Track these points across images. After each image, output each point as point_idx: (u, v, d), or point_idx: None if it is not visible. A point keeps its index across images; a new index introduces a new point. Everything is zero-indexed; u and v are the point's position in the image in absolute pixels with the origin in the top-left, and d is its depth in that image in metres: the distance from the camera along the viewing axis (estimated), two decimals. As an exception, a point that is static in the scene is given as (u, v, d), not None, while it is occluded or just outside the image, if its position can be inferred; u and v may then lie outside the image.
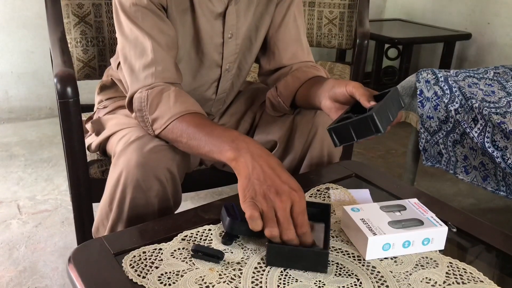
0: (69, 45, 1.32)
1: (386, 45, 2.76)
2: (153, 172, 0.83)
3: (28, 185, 1.91)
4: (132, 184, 0.82)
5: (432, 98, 1.53)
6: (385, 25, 3.02)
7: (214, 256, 0.66)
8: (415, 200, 0.79)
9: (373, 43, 2.72)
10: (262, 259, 0.67)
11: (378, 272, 0.66)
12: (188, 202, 1.78)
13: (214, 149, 0.77)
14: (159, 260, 0.66)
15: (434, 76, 1.53)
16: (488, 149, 1.36)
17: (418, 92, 1.56)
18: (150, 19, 0.89)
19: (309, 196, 0.86)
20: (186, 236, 0.72)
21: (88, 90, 1.57)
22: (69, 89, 1.07)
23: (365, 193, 0.88)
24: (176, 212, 0.89)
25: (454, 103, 1.46)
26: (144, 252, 0.68)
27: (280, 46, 1.05)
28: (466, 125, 1.42)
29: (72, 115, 1.07)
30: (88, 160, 1.13)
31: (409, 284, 0.64)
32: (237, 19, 0.98)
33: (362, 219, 0.72)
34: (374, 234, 0.68)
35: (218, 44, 0.99)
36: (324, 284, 0.63)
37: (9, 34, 2.42)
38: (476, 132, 1.40)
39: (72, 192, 1.14)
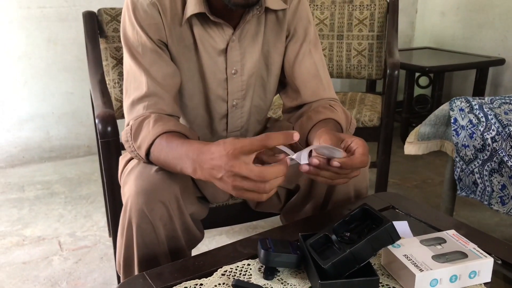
0: (107, 86, 1.39)
1: (417, 74, 2.74)
2: (154, 196, 0.86)
3: (68, 221, 1.96)
4: (136, 211, 0.86)
5: (467, 126, 1.50)
6: (415, 54, 3.02)
7: (255, 291, 0.67)
8: (453, 231, 0.77)
9: (404, 72, 2.71)
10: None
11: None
12: (224, 236, 1.79)
13: (183, 165, 0.80)
14: (200, 296, 0.67)
15: (468, 104, 1.52)
16: (530, 177, 1.32)
17: (452, 121, 1.54)
18: (149, 55, 0.94)
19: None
20: (226, 271, 0.73)
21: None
22: (109, 129, 1.11)
23: (403, 225, 0.87)
24: (214, 248, 0.90)
25: (491, 131, 1.43)
26: (185, 288, 0.69)
27: (299, 83, 1.05)
28: (504, 153, 1.39)
29: (112, 154, 1.11)
30: (127, 197, 1.16)
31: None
32: (241, 56, 1.00)
33: (405, 255, 0.71)
34: (421, 270, 0.67)
35: (221, 80, 1.01)
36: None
37: (51, 77, 2.55)
38: (515, 159, 1.37)
39: (112, 228, 1.17)
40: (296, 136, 0.70)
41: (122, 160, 1.11)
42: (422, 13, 3.32)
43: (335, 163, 0.76)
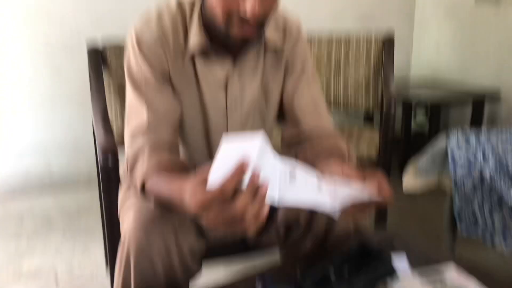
0: (109, 117, 1.40)
1: (414, 107, 2.77)
2: (152, 231, 0.87)
3: (65, 255, 1.95)
4: (135, 246, 0.87)
5: (464, 160, 1.51)
6: (412, 87, 3.06)
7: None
8: (453, 267, 0.77)
9: (401, 105, 2.75)
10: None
11: None
12: (221, 269, 1.77)
13: (175, 203, 0.79)
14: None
15: (465, 138, 1.53)
16: (528, 211, 1.32)
17: (450, 155, 1.55)
18: (151, 88, 0.96)
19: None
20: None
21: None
22: (110, 160, 1.12)
23: (402, 261, 0.87)
24: (213, 286, 0.90)
25: (488, 166, 1.44)
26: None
27: (298, 115, 1.07)
28: (503, 188, 1.39)
29: (112, 185, 1.12)
30: (126, 229, 1.16)
31: None
32: (241, 89, 1.03)
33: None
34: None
35: (222, 112, 1.03)
36: None
37: (53, 108, 2.58)
38: (513, 193, 1.37)
39: (110, 261, 1.16)
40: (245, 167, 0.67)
41: (121, 192, 1.12)
42: (418, 47, 3.39)
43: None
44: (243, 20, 0.85)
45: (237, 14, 0.85)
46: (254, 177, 0.66)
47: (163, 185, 0.84)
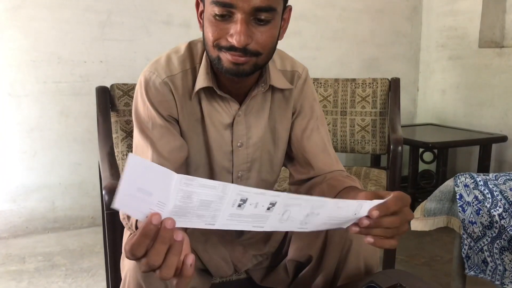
0: (116, 157, 1.41)
1: (421, 149, 2.78)
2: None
3: (67, 296, 1.91)
4: (135, 286, 0.85)
5: (473, 202, 1.50)
6: (418, 130, 3.07)
7: None
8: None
9: (408, 147, 2.75)
10: None
11: None
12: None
13: None
14: None
15: (472, 180, 1.52)
16: (540, 256, 1.29)
17: (458, 197, 1.54)
18: (157, 130, 0.97)
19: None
20: None
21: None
22: (115, 201, 1.12)
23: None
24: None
25: (497, 208, 1.43)
26: None
27: (308, 157, 1.07)
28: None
29: (117, 226, 1.11)
30: (129, 271, 1.14)
31: None
32: (247, 129, 1.03)
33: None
34: None
35: (227, 152, 1.04)
36: None
37: (61, 149, 2.60)
38: (524, 237, 1.34)
39: (113, 303, 1.14)
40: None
41: (126, 233, 1.11)
42: (424, 91, 3.42)
43: (374, 212, 0.72)
44: (231, 48, 0.86)
45: (225, 45, 0.86)
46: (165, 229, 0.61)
47: None
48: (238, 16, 0.83)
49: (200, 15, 0.93)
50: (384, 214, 0.73)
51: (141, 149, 0.97)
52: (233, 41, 0.84)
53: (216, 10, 0.84)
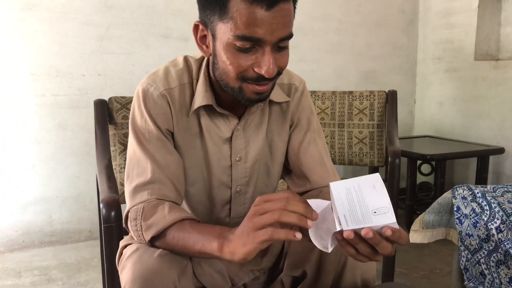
0: (114, 171, 1.41)
1: (419, 161, 2.78)
2: (151, 283, 0.85)
3: (63, 310, 1.89)
4: None
5: (471, 215, 1.50)
6: (416, 142, 3.08)
7: None
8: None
9: (405, 159, 2.75)
10: None
11: None
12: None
13: (206, 245, 0.82)
14: None
15: (470, 192, 1.52)
16: (539, 268, 1.29)
17: (455, 209, 1.54)
18: (155, 142, 0.97)
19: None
20: None
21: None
22: (113, 214, 1.12)
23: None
24: None
25: (495, 220, 1.42)
26: None
27: (306, 170, 1.07)
28: (509, 245, 1.37)
29: (114, 239, 1.11)
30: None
31: None
32: (246, 144, 1.03)
33: None
34: None
35: (226, 167, 1.04)
36: None
37: (58, 162, 2.59)
38: (523, 249, 1.34)
39: (110, 318, 1.13)
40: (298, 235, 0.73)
41: (121, 244, 1.10)
42: (421, 103, 3.44)
43: (388, 231, 0.69)
44: (258, 79, 0.87)
45: (252, 76, 0.87)
46: None
47: (191, 234, 0.86)
48: (266, 49, 0.84)
49: (201, 39, 0.92)
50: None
51: (138, 161, 0.97)
52: (262, 72, 0.85)
53: (242, 44, 0.84)
